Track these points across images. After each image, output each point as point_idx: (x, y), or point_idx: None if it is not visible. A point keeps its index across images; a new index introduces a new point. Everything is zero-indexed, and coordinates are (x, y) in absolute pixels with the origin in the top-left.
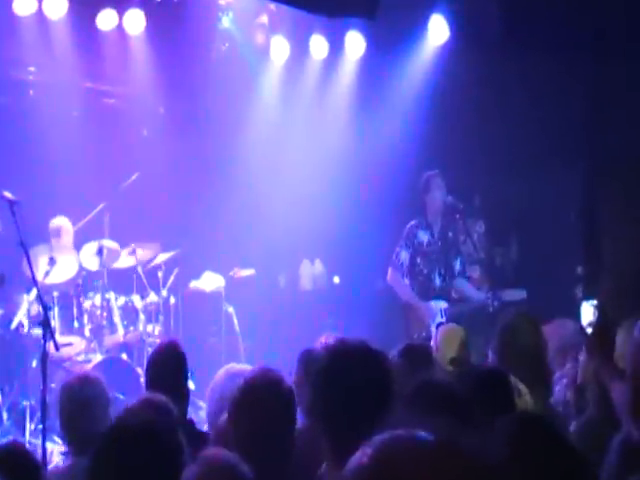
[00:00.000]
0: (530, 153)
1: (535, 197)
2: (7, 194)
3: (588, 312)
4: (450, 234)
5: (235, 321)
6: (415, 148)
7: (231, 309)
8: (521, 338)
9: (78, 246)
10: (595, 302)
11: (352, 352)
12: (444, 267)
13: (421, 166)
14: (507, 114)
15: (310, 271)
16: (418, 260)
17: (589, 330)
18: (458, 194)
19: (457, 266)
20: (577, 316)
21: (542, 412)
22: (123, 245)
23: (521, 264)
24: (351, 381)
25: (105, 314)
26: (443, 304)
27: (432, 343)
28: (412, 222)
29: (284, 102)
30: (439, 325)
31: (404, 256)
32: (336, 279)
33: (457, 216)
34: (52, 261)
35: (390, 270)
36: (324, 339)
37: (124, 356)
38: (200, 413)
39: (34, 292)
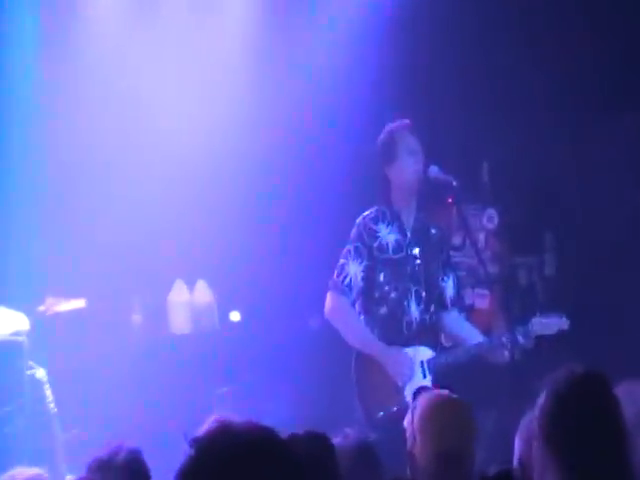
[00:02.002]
0: (570, 97)
1: (583, 169)
2: None
3: None
4: (434, 231)
5: (47, 393)
6: (368, 95)
7: (41, 372)
8: (595, 420)
9: None
10: None
11: (234, 449)
12: (425, 288)
13: (378, 122)
14: (529, 36)
15: (188, 301)
16: (380, 276)
17: None
18: (449, 163)
19: (448, 288)
20: None
21: None
22: None
23: (561, 284)
24: None
25: None
26: (425, 353)
27: (405, 425)
28: (367, 213)
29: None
30: (419, 392)
31: (354, 271)
32: (235, 315)
33: (448, 200)
34: None
35: (330, 296)
36: (211, 423)
37: None
38: None
39: None
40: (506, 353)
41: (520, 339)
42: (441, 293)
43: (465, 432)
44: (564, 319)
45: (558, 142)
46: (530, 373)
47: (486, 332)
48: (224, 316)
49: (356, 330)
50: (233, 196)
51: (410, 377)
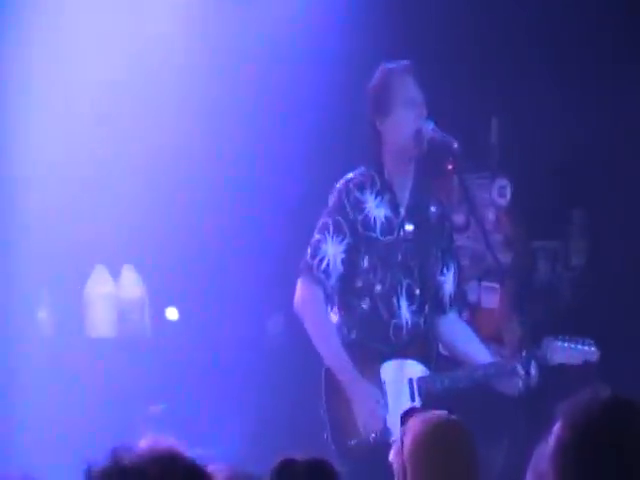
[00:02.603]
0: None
1: (622, 128)
2: None
3: None
4: (434, 209)
5: None
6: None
7: None
8: (618, 454)
9: None
10: None
11: None
12: (420, 283)
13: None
14: None
15: (111, 293)
16: (363, 261)
17: None
18: (448, 119)
19: (448, 283)
20: None
21: None
22: None
23: (593, 277)
24: None
25: None
26: (416, 368)
27: (391, 457)
28: (350, 175)
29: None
30: (409, 414)
31: (333, 251)
32: (171, 313)
33: (448, 167)
34: None
35: (301, 284)
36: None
37: None
38: None
39: None
40: (519, 382)
41: (535, 369)
42: (438, 290)
43: (471, 465)
44: (593, 349)
45: (589, 94)
46: (546, 397)
47: (495, 338)
48: (158, 314)
49: (325, 339)
50: (170, 169)
51: (394, 398)
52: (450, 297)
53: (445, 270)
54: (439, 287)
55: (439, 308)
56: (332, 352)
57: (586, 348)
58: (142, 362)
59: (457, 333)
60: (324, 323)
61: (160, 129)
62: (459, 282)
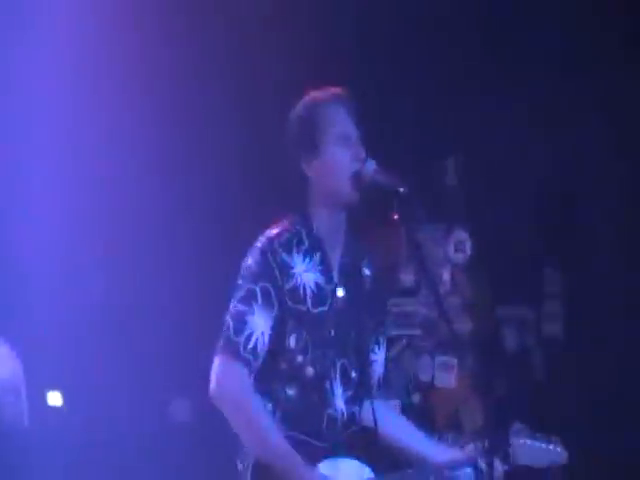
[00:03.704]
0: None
1: (605, 167)
2: None
3: None
4: (367, 272)
5: None
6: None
7: None
8: None
9: None
10: None
11: None
12: (356, 363)
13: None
14: None
15: None
16: (291, 339)
17: None
18: (396, 156)
19: (378, 362)
20: None
21: None
22: None
23: (572, 351)
24: None
25: None
26: (356, 471)
27: None
28: (275, 232)
29: None
30: None
31: (261, 327)
32: (54, 397)
33: (393, 217)
34: None
35: (221, 364)
36: None
37: None
38: None
39: None
40: None
41: (498, 467)
42: (369, 371)
43: None
44: (560, 450)
45: (566, 125)
46: None
47: (452, 424)
48: (37, 400)
49: (263, 428)
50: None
51: None
52: (379, 380)
53: (376, 348)
54: (370, 368)
55: (367, 392)
56: (270, 438)
57: (552, 449)
58: (17, 463)
59: (387, 422)
60: (257, 408)
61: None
62: (386, 362)
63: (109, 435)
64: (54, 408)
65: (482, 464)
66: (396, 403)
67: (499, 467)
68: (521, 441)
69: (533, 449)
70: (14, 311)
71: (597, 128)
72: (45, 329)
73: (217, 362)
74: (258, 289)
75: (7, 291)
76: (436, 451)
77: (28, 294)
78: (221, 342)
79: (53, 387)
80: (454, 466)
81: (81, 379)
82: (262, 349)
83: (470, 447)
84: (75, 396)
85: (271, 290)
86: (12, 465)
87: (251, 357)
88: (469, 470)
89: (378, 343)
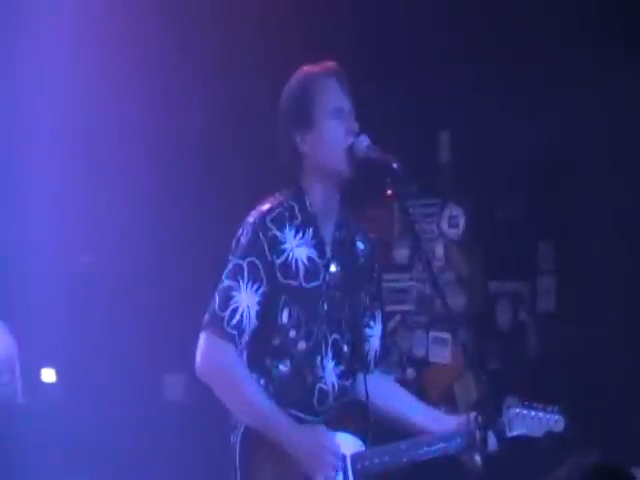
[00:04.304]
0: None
1: (602, 141)
2: None
3: None
4: (361, 246)
5: None
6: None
7: None
8: None
9: None
10: None
11: None
12: (348, 337)
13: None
14: None
15: None
16: (283, 314)
17: None
18: (389, 132)
19: (375, 336)
20: None
21: None
22: None
23: (564, 326)
24: None
25: None
26: (348, 443)
27: None
28: (266, 207)
29: None
30: None
31: (247, 301)
32: (48, 374)
33: (387, 192)
34: None
35: (206, 341)
36: None
37: None
38: None
39: None
40: (476, 458)
41: (493, 441)
42: (363, 345)
43: None
44: (557, 417)
45: (562, 97)
46: (506, 472)
47: (446, 399)
48: (31, 376)
49: (248, 393)
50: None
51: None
52: (376, 354)
53: (372, 322)
54: (364, 342)
55: (362, 366)
56: (259, 403)
57: (549, 416)
58: (11, 438)
59: (384, 394)
60: (244, 377)
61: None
62: (384, 336)
63: (103, 414)
64: (48, 385)
65: (475, 438)
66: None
67: (493, 438)
68: (517, 410)
69: (528, 418)
70: (8, 289)
71: (595, 101)
72: (39, 307)
73: (202, 337)
74: (245, 264)
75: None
76: (433, 420)
77: (22, 272)
78: (206, 317)
79: (47, 364)
80: (445, 436)
81: (75, 357)
82: (248, 324)
83: (462, 418)
84: (69, 373)
85: (259, 265)
86: (7, 443)
87: (235, 332)
88: (459, 440)
89: (374, 317)
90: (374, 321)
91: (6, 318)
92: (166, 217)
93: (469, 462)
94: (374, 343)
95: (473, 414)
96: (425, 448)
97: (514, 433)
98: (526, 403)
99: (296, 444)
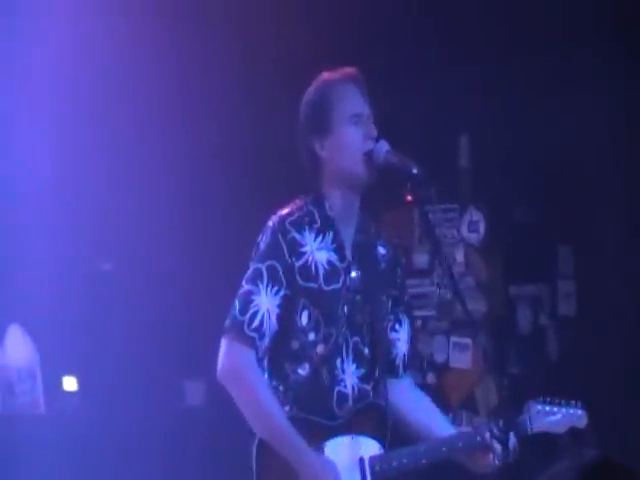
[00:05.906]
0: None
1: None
2: None
3: None
4: (382, 250)
5: None
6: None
7: None
8: None
9: None
10: None
11: None
12: (369, 340)
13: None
14: None
15: None
16: (302, 317)
17: None
18: (409, 137)
19: (401, 343)
20: None
21: None
22: None
23: (585, 331)
24: None
25: None
26: (367, 445)
27: None
28: (285, 211)
29: None
30: None
31: (267, 305)
32: (69, 383)
33: (406, 198)
34: None
35: (227, 346)
36: None
37: None
38: None
39: None
40: (492, 458)
41: (513, 440)
42: (389, 350)
43: None
44: (580, 412)
45: (581, 100)
46: (526, 471)
47: (466, 404)
48: (53, 385)
49: (265, 410)
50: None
51: None
52: (404, 359)
53: (397, 326)
54: (391, 346)
55: (391, 372)
56: (274, 422)
57: (572, 412)
58: (32, 447)
59: (412, 403)
60: (262, 391)
61: None
62: (412, 340)
63: (124, 420)
64: (69, 393)
65: (495, 441)
66: None
67: (513, 443)
68: (538, 407)
69: (551, 414)
70: (29, 298)
71: (615, 103)
72: (60, 315)
73: (223, 342)
74: (264, 267)
75: (18, 278)
76: (443, 427)
77: (41, 281)
78: (227, 322)
79: (68, 372)
80: (465, 440)
81: (96, 364)
82: (268, 328)
83: (480, 421)
84: (90, 381)
85: (278, 268)
86: (27, 451)
87: (256, 335)
88: (479, 438)
89: (399, 321)
90: (400, 325)
91: (27, 327)
92: (188, 224)
93: (484, 464)
94: (401, 347)
95: (494, 422)
96: (444, 449)
97: (535, 430)
98: (548, 399)
99: (301, 468)
